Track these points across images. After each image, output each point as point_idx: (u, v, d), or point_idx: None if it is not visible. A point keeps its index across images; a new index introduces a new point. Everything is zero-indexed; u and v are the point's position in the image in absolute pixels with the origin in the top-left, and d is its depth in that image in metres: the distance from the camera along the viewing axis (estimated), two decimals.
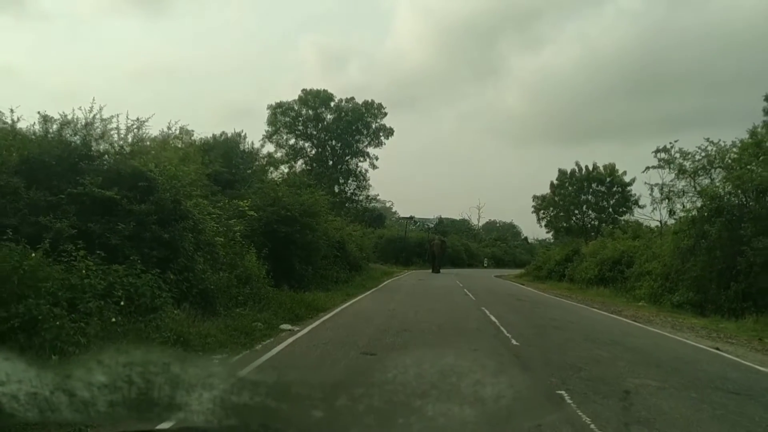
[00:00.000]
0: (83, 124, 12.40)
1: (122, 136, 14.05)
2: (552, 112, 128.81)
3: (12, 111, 11.62)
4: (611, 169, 46.40)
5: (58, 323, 7.21)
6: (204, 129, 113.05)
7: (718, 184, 20.90)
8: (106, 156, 11.29)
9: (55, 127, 12.75)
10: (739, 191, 20.11)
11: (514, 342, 10.33)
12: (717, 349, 11.31)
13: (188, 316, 9.49)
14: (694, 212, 21.05)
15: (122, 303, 8.39)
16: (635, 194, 42.56)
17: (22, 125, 11.68)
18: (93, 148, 11.31)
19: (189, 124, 55.13)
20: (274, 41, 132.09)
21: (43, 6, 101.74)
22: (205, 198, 13.48)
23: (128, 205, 10.29)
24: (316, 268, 21.70)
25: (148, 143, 16.18)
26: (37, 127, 12.33)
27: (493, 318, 13.75)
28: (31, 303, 7.28)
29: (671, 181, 23.47)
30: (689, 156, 22.58)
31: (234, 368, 7.51)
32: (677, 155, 23.09)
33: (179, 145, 19.84)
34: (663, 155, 23.96)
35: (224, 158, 22.18)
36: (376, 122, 59.48)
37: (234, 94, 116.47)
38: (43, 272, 7.86)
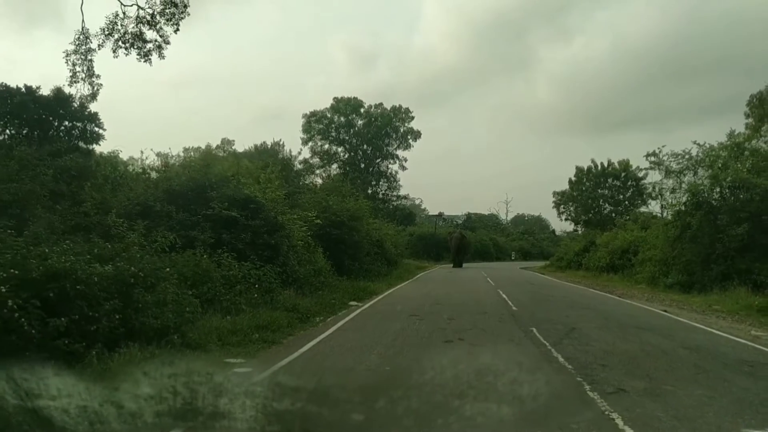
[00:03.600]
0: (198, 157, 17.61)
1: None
2: (582, 103, 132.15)
3: (142, 153, 17.25)
4: (626, 165, 50.87)
5: (228, 297, 12.38)
6: (236, 133, 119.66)
7: (699, 181, 25.39)
8: (223, 187, 16.43)
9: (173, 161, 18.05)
10: (717, 187, 24.56)
11: (514, 308, 15.40)
12: (665, 311, 16.08)
13: (292, 296, 14.66)
14: (680, 206, 25.45)
15: (256, 286, 13.55)
16: (648, 187, 46.84)
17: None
18: (213, 180, 16.41)
19: (227, 135, 60.63)
20: (303, 43, 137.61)
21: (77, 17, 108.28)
22: (289, 210, 18.73)
23: (245, 221, 15.42)
24: (361, 264, 26.66)
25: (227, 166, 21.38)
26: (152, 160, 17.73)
27: (504, 296, 18.77)
28: (209, 286, 12.45)
29: (661, 180, 27.87)
30: (678, 156, 27.04)
31: (332, 323, 12.77)
32: (665, 158, 27.49)
33: (248, 164, 24.98)
34: (653, 158, 28.44)
35: (282, 173, 27.35)
36: (404, 126, 64.79)
37: (263, 97, 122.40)
38: (209, 268, 13.04)
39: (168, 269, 9.87)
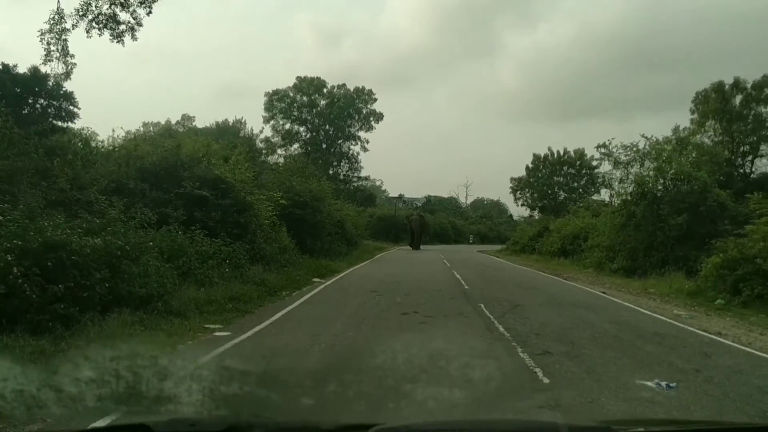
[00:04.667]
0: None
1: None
2: (545, 90, 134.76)
3: (113, 131, 18.14)
4: (581, 154, 52.96)
5: (202, 270, 13.50)
6: (197, 110, 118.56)
7: (645, 173, 27.29)
8: (195, 167, 17.39)
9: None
10: (660, 179, 26.47)
11: (466, 287, 16.88)
12: (603, 293, 17.77)
13: (260, 271, 15.83)
14: (626, 196, 27.31)
15: (227, 261, 14.65)
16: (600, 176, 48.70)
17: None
18: (184, 160, 17.36)
19: (188, 111, 61.11)
20: (267, 21, 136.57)
21: None
22: (257, 191, 19.77)
23: (215, 201, 16.44)
24: (323, 243, 27.77)
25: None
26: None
27: (458, 276, 20.27)
28: (184, 260, 13.55)
29: (611, 170, 29.75)
30: (627, 148, 28.87)
31: (298, 297, 14.03)
32: (614, 149, 29.33)
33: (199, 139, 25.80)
34: (603, 150, 30.28)
35: (249, 155, 28.29)
36: (367, 108, 65.73)
37: (226, 73, 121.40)
38: (184, 243, 14.14)
39: (150, 243, 10.84)
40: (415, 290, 15.43)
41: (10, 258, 8.14)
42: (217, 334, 9.27)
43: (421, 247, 49.34)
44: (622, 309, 13.84)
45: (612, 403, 5.70)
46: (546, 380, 6.60)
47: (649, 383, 6.47)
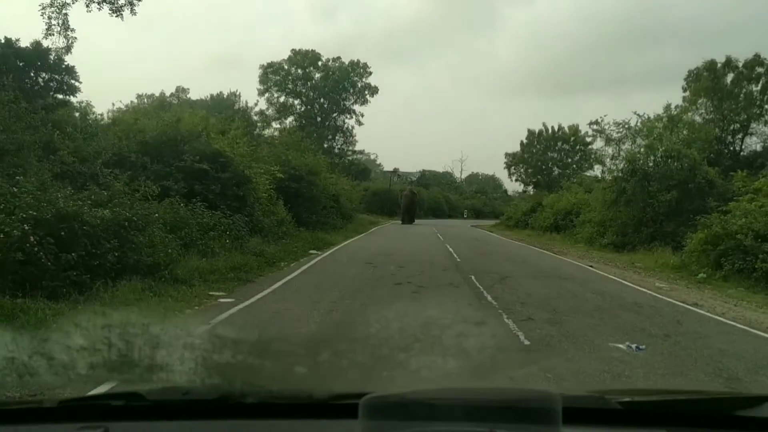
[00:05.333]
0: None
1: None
2: (542, 64, 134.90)
3: (113, 105, 18.58)
4: (575, 130, 53.41)
5: (203, 242, 14.09)
6: (190, 81, 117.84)
7: (636, 150, 27.91)
8: (194, 141, 17.88)
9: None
10: (651, 156, 27.10)
11: (458, 260, 17.57)
12: (591, 266, 18.48)
13: (259, 243, 16.46)
14: (617, 172, 27.94)
15: (227, 233, 15.23)
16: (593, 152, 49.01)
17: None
18: (184, 134, 17.80)
19: (182, 83, 61.36)
20: None
21: None
22: (255, 164, 20.28)
23: (215, 174, 16.97)
24: (318, 216, 28.37)
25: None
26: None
27: (451, 250, 20.97)
28: (186, 231, 14.09)
29: (603, 147, 30.35)
30: (619, 125, 29.44)
31: (296, 268, 14.65)
32: (606, 126, 29.89)
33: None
34: (595, 126, 30.84)
35: (247, 130, 28.71)
36: (362, 81, 66.15)
37: (219, 45, 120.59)
38: (185, 215, 14.68)
39: (156, 215, 11.43)
40: (408, 262, 16.11)
41: (26, 227, 8.70)
42: (221, 300, 9.89)
43: (416, 221, 50.04)
44: (606, 281, 14.59)
45: (585, 362, 6.36)
46: (527, 342, 7.23)
47: (621, 345, 7.16)
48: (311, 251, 18.37)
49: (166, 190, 15.15)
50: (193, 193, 15.77)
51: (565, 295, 11.53)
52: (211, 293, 10.45)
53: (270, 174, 21.62)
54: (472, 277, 13.19)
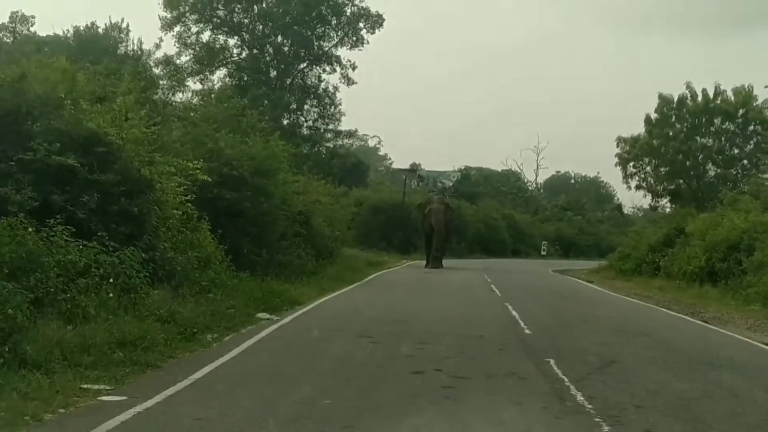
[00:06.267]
0: None
1: None
2: None
3: None
4: (746, 96, 40.08)
5: (68, 296, 9.72)
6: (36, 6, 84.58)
7: None
8: (52, 115, 12.19)
9: None
10: None
11: (527, 331, 12.75)
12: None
13: (167, 298, 12.07)
14: None
15: (111, 280, 10.96)
16: None
17: None
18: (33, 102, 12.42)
19: (21, 7, 36.36)
20: None
21: None
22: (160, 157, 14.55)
23: (89, 175, 12.54)
24: (273, 252, 20.76)
25: None
26: None
27: (514, 313, 15.51)
28: (38, 276, 9.20)
29: None
30: None
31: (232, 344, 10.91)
32: None
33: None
34: None
35: (144, 95, 19.47)
36: (354, 4, 46.82)
37: None
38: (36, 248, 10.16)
39: None
40: (436, 335, 13.17)
41: None
42: (104, 398, 7.06)
43: (454, 261, 37.07)
44: None
45: None
46: None
47: None
48: (261, 314, 15.14)
49: (2, 202, 11.27)
50: (49, 208, 12.08)
51: (718, 396, 8.60)
52: (85, 386, 7.50)
53: (187, 174, 15.39)
54: (551, 362, 10.25)
